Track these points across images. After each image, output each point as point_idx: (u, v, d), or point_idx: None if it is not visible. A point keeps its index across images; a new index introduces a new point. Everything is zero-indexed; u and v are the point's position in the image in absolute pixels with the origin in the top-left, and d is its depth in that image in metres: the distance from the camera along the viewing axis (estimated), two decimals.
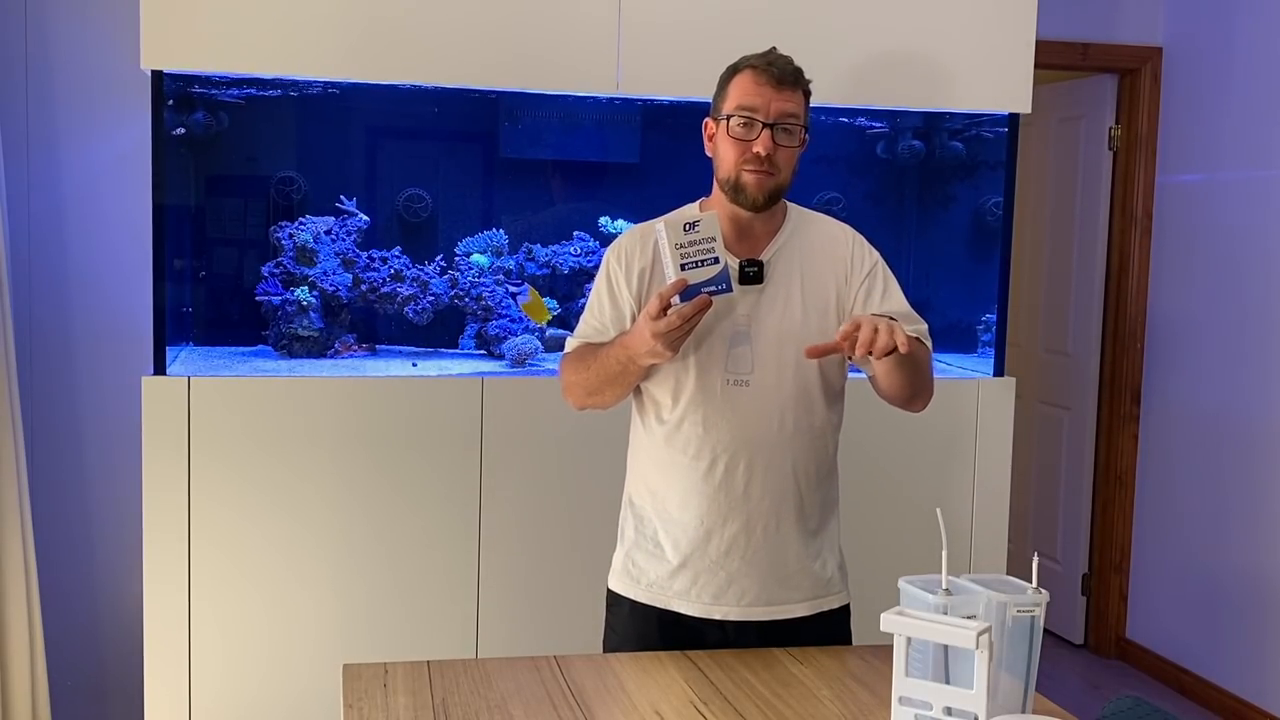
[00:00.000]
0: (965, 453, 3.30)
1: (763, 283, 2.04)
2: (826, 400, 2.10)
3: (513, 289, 3.35)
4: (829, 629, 2.13)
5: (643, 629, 2.11)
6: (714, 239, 1.90)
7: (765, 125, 1.99)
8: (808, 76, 2.06)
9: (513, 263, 3.44)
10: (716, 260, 1.90)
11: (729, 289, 1.91)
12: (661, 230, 1.90)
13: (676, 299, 1.87)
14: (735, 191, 2.03)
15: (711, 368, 2.03)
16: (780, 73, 2.00)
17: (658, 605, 2.10)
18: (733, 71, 2.06)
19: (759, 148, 1.99)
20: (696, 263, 1.89)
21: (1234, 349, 4.12)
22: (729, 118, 2.01)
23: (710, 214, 1.93)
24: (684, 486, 2.06)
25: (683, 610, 2.09)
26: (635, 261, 2.09)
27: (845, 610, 2.18)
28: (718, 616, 2.08)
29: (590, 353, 2.06)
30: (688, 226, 1.89)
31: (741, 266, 2.03)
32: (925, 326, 2.12)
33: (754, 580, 2.07)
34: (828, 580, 2.13)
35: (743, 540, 2.06)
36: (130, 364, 3.33)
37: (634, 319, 2.06)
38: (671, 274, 1.88)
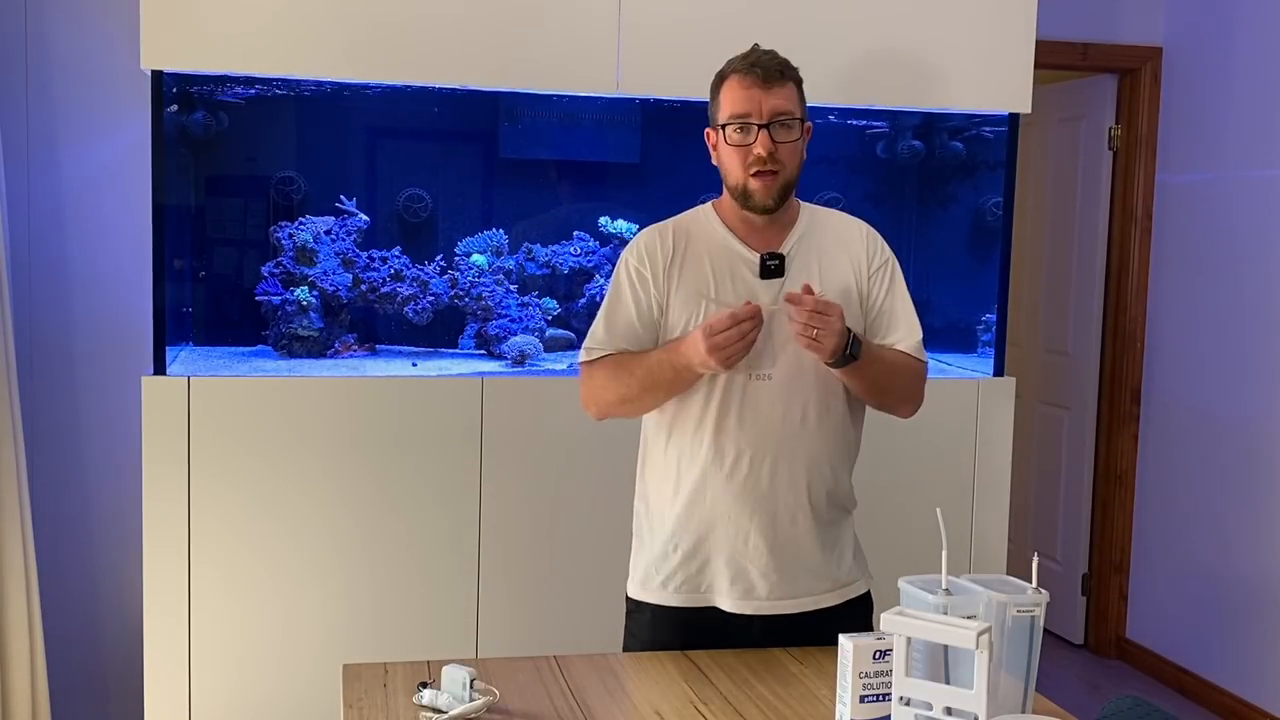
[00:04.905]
0: (965, 453, 3.30)
1: (784, 276, 2.05)
2: (848, 391, 2.11)
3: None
4: (855, 617, 2.13)
5: (666, 635, 2.10)
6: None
7: (761, 127, 2.00)
8: (802, 72, 2.06)
9: (513, 263, 3.44)
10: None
11: None
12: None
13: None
14: (745, 198, 2.05)
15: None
16: (765, 71, 2.01)
17: (687, 606, 2.10)
18: (720, 79, 2.07)
19: (759, 149, 2.00)
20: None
21: (1234, 349, 4.12)
22: (724, 127, 2.03)
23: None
24: (709, 484, 2.06)
25: (720, 605, 2.09)
26: (659, 256, 2.08)
27: (868, 596, 2.19)
28: (749, 611, 2.08)
29: (632, 361, 2.05)
30: None
31: (763, 260, 2.03)
32: (920, 338, 2.13)
33: (783, 575, 2.07)
34: (849, 567, 2.15)
35: (770, 535, 2.06)
36: (130, 364, 3.33)
37: (661, 312, 2.07)
38: None
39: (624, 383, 2.05)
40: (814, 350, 1.94)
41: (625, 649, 2.17)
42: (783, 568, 2.07)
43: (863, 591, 2.18)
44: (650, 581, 2.13)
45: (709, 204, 2.15)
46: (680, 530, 2.09)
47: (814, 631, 2.09)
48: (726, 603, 2.08)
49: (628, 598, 2.18)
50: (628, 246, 2.14)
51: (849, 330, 1.97)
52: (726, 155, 2.05)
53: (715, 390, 2.04)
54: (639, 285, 2.09)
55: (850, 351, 1.96)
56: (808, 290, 1.94)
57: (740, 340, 1.91)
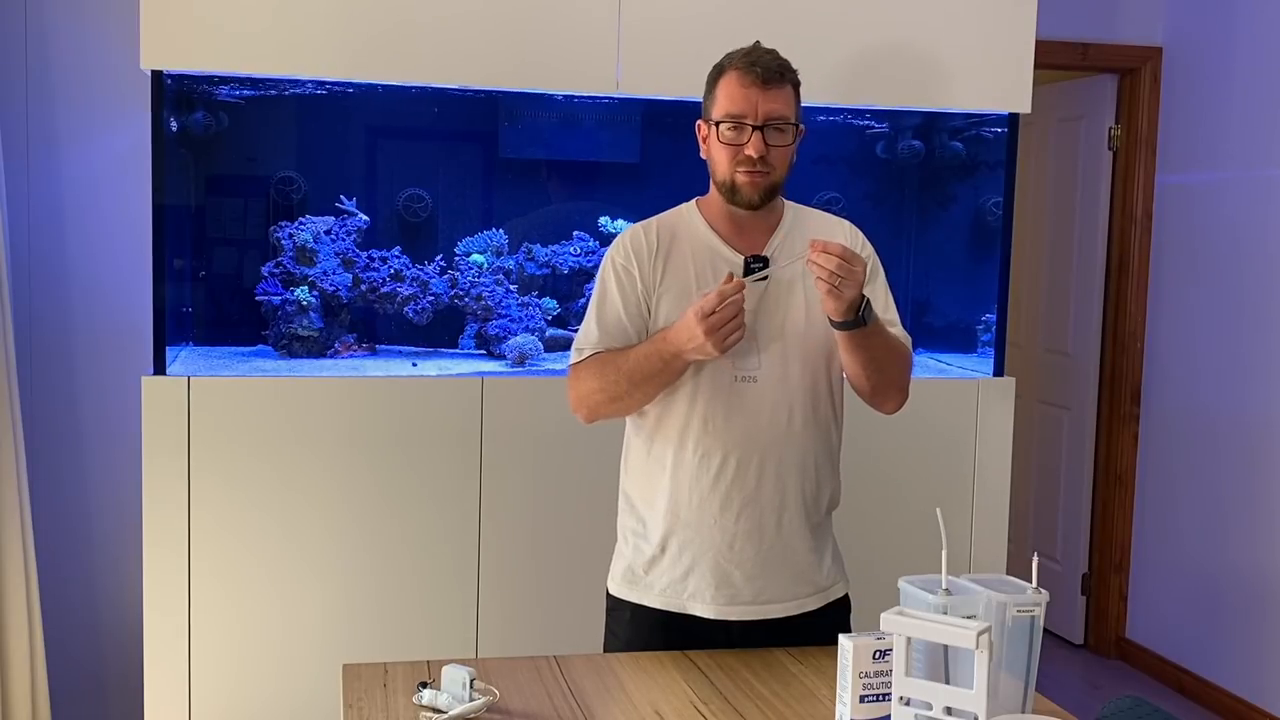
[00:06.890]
0: (965, 453, 3.30)
1: (767, 278, 2.04)
2: (832, 392, 2.11)
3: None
4: (835, 620, 2.14)
5: (648, 635, 2.10)
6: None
7: (755, 128, 1.99)
8: (802, 72, 2.05)
9: (512, 263, 3.44)
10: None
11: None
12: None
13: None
14: (731, 193, 2.04)
15: (720, 364, 2.02)
16: (765, 71, 1.99)
17: (669, 609, 2.09)
18: (718, 72, 2.05)
19: (750, 150, 1.99)
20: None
21: (1234, 349, 4.12)
22: (718, 124, 2.01)
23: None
24: (695, 487, 2.05)
25: (697, 613, 2.08)
26: (644, 253, 2.07)
27: (847, 600, 2.19)
28: (734, 617, 2.07)
29: (618, 357, 2.03)
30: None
31: (746, 262, 2.03)
32: (902, 330, 2.12)
33: (769, 579, 2.07)
34: (828, 570, 2.15)
35: (756, 538, 2.06)
36: (130, 364, 3.33)
37: (649, 308, 2.06)
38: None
39: (610, 379, 2.03)
40: (834, 299, 1.88)
41: (606, 648, 2.17)
42: (769, 571, 2.07)
43: (842, 594, 2.18)
44: (635, 581, 2.12)
45: (693, 202, 2.14)
46: (666, 532, 2.08)
47: (794, 635, 2.09)
48: (710, 610, 2.07)
49: (608, 595, 2.17)
50: (612, 244, 2.12)
51: (863, 296, 1.93)
52: (717, 150, 2.03)
53: (700, 392, 2.03)
54: (626, 282, 2.07)
55: (863, 314, 1.92)
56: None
57: (735, 316, 1.88)
